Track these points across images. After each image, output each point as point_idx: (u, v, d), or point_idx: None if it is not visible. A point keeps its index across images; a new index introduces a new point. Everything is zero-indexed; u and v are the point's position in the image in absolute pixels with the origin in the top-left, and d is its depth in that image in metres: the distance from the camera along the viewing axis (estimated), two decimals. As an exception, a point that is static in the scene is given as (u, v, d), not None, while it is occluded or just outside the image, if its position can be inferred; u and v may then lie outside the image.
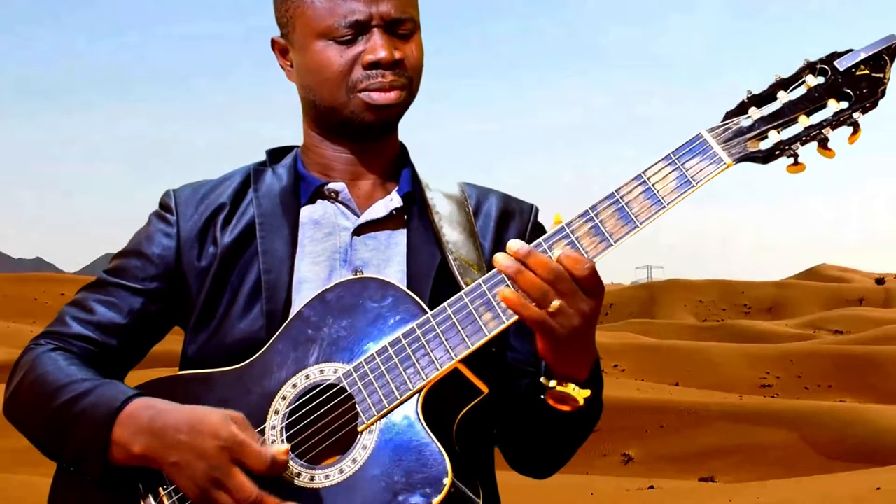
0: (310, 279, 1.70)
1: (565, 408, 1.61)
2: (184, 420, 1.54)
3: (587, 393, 1.60)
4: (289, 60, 1.76)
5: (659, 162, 1.55)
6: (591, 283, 1.52)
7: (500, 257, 1.52)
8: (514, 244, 1.52)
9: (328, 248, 1.73)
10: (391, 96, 1.68)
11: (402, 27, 1.69)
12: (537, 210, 1.85)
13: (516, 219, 1.81)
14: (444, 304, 1.57)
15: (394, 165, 1.81)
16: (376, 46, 1.67)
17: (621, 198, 1.54)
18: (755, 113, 1.55)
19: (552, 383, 1.60)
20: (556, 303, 1.50)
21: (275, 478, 1.53)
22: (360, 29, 1.67)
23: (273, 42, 1.77)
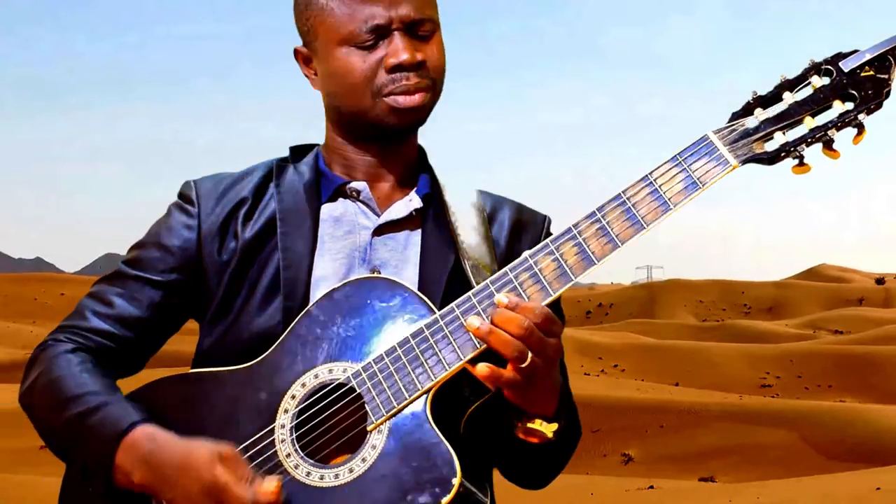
0: (328, 277, 1.70)
1: (534, 440, 1.62)
2: (176, 458, 1.55)
3: (555, 426, 1.61)
4: (312, 69, 1.77)
5: (665, 163, 1.55)
6: (550, 326, 1.53)
7: (472, 319, 1.54)
8: (503, 298, 1.53)
9: (347, 245, 1.74)
10: (416, 99, 1.68)
11: (422, 28, 1.70)
12: (550, 221, 1.85)
13: (529, 229, 1.81)
14: (453, 304, 1.57)
15: (413, 167, 1.81)
16: (398, 49, 1.67)
17: (628, 199, 1.55)
18: (761, 114, 1.56)
19: (518, 421, 1.61)
20: (529, 359, 1.51)
21: (284, 477, 1.54)
22: (381, 33, 1.68)
23: (296, 52, 1.78)
